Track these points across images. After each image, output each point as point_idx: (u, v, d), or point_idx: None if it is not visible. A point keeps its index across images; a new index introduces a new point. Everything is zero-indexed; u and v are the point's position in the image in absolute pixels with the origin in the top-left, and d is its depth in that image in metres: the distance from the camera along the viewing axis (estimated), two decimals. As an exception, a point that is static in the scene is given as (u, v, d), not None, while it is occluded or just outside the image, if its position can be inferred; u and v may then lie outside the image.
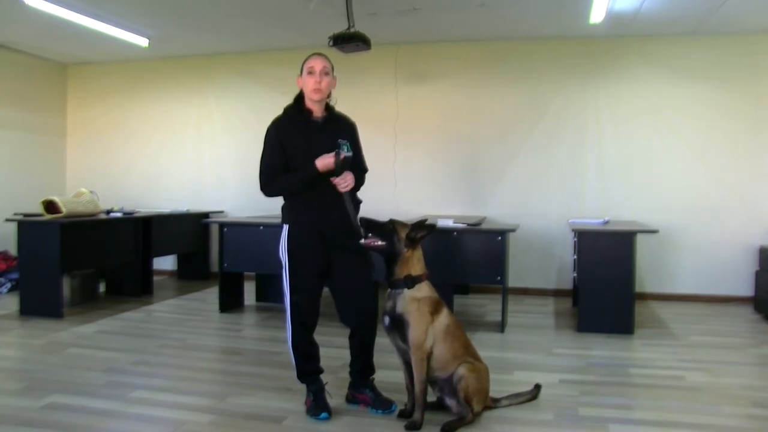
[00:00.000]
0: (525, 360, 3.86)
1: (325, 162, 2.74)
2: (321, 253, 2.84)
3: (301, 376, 2.92)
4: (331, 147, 2.80)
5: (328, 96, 2.90)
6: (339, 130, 2.91)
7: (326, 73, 2.81)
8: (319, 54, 2.87)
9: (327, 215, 2.82)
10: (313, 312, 2.89)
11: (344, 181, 2.77)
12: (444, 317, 2.75)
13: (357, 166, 2.91)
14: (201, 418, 2.82)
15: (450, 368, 2.72)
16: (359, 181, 2.92)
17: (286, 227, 2.86)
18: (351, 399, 2.99)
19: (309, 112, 2.86)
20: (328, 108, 2.92)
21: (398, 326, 2.71)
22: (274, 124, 2.88)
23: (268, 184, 2.84)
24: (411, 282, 2.71)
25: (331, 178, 2.75)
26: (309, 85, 2.80)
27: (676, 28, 5.61)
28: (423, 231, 2.72)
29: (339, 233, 2.84)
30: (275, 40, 6.32)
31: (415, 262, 2.74)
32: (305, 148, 2.80)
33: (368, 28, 4.91)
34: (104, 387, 3.22)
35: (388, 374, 3.22)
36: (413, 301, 2.69)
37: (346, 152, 2.81)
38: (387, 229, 2.71)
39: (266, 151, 2.86)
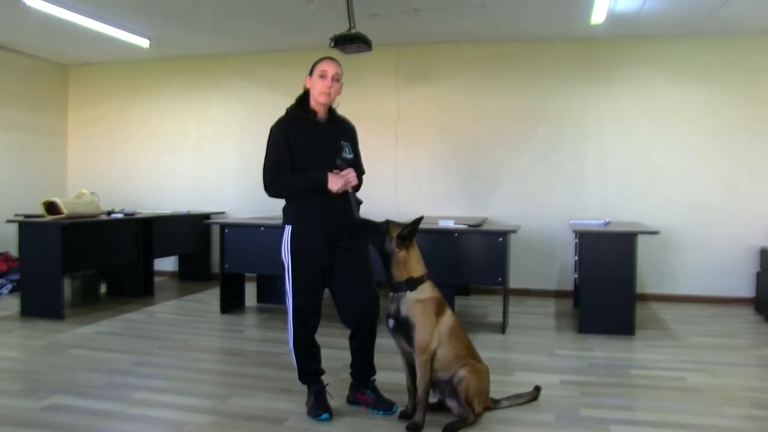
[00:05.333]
0: (526, 361, 3.86)
1: (338, 184, 2.76)
2: (324, 254, 2.84)
3: (303, 377, 2.92)
4: (334, 148, 2.85)
5: None
6: (341, 132, 2.95)
7: (337, 80, 2.84)
8: (333, 59, 2.89)
9: (330, 216, 2.83)
10: (314, 313, 2.89)
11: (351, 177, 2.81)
12: (448, 318, 2.76)
13: (356, 169, 2.92)
14: (202, 419, 2.82)
15: (452, 369, 2.72)
16: (359, 183, 2.94)
17: (288, 228, 2.86)
18: (352, 400, 2.99)
19: (314, 112, 2.88)
20: (330, 110, 2.95)
21: (403, 329, 2.70)
22: (279, 124, 2.88)
23: (273, 183, 2.83)
24: (413, 284, 2.71)
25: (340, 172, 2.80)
26: (318, 87, 2.82)
27: (677, 28, 5.62)
28: (410, 226, 2.72)
29: (342, 234, 2.84)
30: (276, 41, 6.33)
31: (414, 264, 2.74)
32: (309, 148, 2.83)
33: (369, 29, 4.92)
34: (105, 388, 3.23)
35: (389, 375, 3.22)
36: (417, 303, 2.69)
37: (347, 154, 2.88)
38: (381, 228, 2.73)
39: (271, 150, 2.85)
